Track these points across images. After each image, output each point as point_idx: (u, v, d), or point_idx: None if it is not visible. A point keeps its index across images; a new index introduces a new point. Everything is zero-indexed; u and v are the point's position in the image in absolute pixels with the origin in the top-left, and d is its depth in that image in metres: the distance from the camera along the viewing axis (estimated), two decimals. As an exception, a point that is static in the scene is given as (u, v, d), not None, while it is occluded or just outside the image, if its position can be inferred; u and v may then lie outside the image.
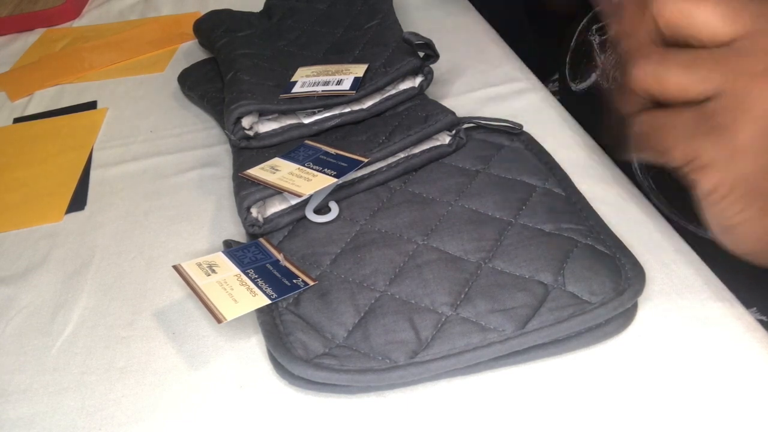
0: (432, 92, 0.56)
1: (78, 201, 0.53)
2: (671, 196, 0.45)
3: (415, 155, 0.48)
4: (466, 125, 0.50)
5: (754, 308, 0.44)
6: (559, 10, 0.70)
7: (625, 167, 0.47)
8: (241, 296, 0.38)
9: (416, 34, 0.52)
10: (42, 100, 0.69)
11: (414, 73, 0.53)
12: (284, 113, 0.51)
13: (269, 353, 0.37)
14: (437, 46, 0.51)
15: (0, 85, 0.73)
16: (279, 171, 0.45)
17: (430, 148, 0.48)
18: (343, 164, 0.45)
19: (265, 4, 0.71)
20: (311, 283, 0.40)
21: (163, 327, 0.41)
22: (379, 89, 0.51)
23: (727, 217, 0.31)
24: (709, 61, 0.29)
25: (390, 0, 0.64)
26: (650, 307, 0.37)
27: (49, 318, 0.43)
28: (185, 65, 0.67)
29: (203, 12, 0.73)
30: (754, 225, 0.31)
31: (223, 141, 0.57)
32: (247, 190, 0.44)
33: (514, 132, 0.49)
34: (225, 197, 0.50)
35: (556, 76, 0.68)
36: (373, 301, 0.38)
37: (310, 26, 0.64)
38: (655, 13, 0.31)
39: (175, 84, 0.65)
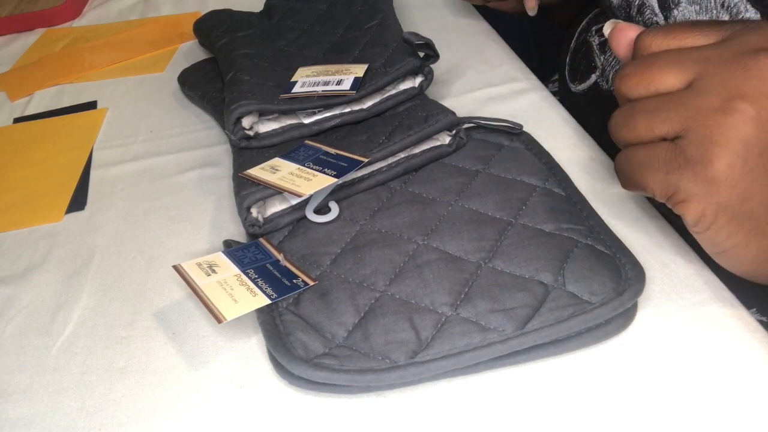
0: (432, 92, 0.56)
1: (78, 201, 0.53)
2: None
3: (415, 155, 0.48)
4: (466, 125, 0.50)
5: (754, 309, 0.44)
6: (559, 22, 0.70)
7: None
8: (241, 296, 0.38)
9: (416, 34, 0.52)
10: (42, 100, 0.69)
11: (414, 73, 0.53)
12: (284, 113, 0.51)
13: (269, 353, 0.37)
14: (437, 46, 0.51)
15: (0, 85, 0.73)
16: (279, 171, 0.45)
17: (430, 148, 0.48)
18: (343, 164, 0.45)
19: (265, 4, 0.71)
20: (311, 283, 0.40)
21: (163, 327, 0.41)
22: (379, 89, 0.51)
23: (717, 244, 0.33)
24: (671, 103, 0.31)
25: (390, 0, 0.64)
26: (650, 307, 0.37)
27: (49, 318, 0.43)
28: (185, 65, 0.67)
29: (203, 12, 0.73)
30: (746, 248, 0.33)
31: (223, 141, 0.57)
32: (247, 190, 0.44)
33: (514, 132, 0.49)
34: (225, 197, 0.50)
35: (556, 77, 0.69)
36: (373, 301, 0.38)
37: (310, 26, 0.64)
38: (616, 91, 0.34)
39: (175, 84, 0.65)
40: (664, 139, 0.32)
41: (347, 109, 0.51)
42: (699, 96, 0.30)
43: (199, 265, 0.40)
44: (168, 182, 0.54)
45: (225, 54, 0.59)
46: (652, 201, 0.44)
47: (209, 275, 0.39)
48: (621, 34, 0.35)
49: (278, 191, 0.44)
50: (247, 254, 0.42)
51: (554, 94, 0.58)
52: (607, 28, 0.37)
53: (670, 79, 0.32)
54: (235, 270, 0.40)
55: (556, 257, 0.38)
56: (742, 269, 0.34)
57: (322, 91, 0.50)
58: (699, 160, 0.30)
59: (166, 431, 0.35)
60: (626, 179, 0.34)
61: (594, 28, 0.57)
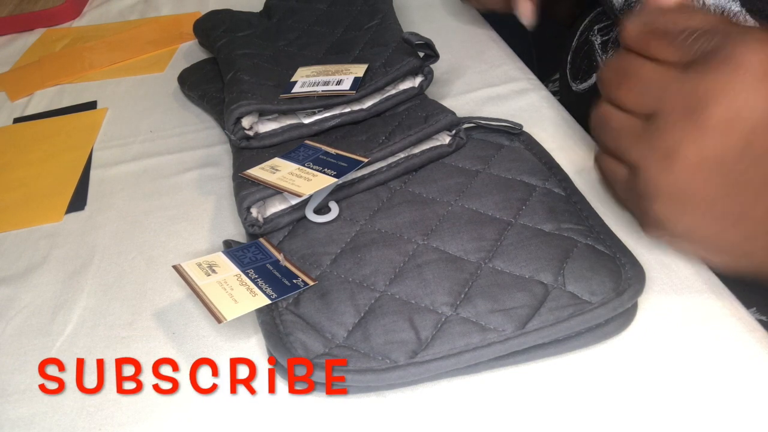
0: (432, 92, 0.56)
1: (78, 201, 0.53)
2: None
3: (415, 155, 0.48)
4: (466, 125, 0.50)
5: (754, 308, 0.44)
6: (559, 20, 0.70)
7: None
8: (241, 296, 0.38)
9: (416, 34, 0.52)
10: (42, 100, 0.69)
11: (414, 73, 0.53)
12: (284, 113, 0.51)
13: (269, 353, 0.37)
14: (437, 46, 0.51)
15: (0, 85, 0.73)
16: (279, 171, 0.45)
17: (430, 148, 0.48)
18: (343, 164, 0.45)
19: (265, 4, 0.71)
20: (311, 283, 0.40)
21: (163, 327, 0.41)
22: (379, 89, 0.51)
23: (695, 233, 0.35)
24: (628, 139, 0.35)
25: (390, 0, 0.64)
26: (650, 307, 0.37)
27: (49, 318, 0.43)
28: (185, 65, 0.67)
29: (203, 12, 0.73)
30: (726, 236, 0.34)
31: (223, 141, 0.57)
32: (247, 190, 0.44)
33: (514, 132, 0.49)
34: (225, 197, 0.50)
35: (557, 76, 0.68)
36: (373, 301, 0.38)
37: (310, 26, 0.64)
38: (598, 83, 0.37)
39: (175, 84, 0.65)
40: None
41: (347, 109, 0.51)
42: (651, 139, 0.33)
43: (199, 265, 0.40)
44: (168, 182, 0.54)
45: (225, 54, 0.59)
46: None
47: (209, 275, 0.39)
48: None
49: (278, 191, 0.44)
50: (247, 254, 0.42)
51: (554, 93, 0.58)
52: None
53: (632, 102, 0.35)
54: (235, 270, 0.40)
55: (556, 257, 0.38)
56: (728, 265, 0.36)
57: (322, 91, 0.50)
58: (674, 145, 0.33)
59: (165, 431, 0.35)
60: (597, 133, 0.38)
61: (596, 27, 0.57)
